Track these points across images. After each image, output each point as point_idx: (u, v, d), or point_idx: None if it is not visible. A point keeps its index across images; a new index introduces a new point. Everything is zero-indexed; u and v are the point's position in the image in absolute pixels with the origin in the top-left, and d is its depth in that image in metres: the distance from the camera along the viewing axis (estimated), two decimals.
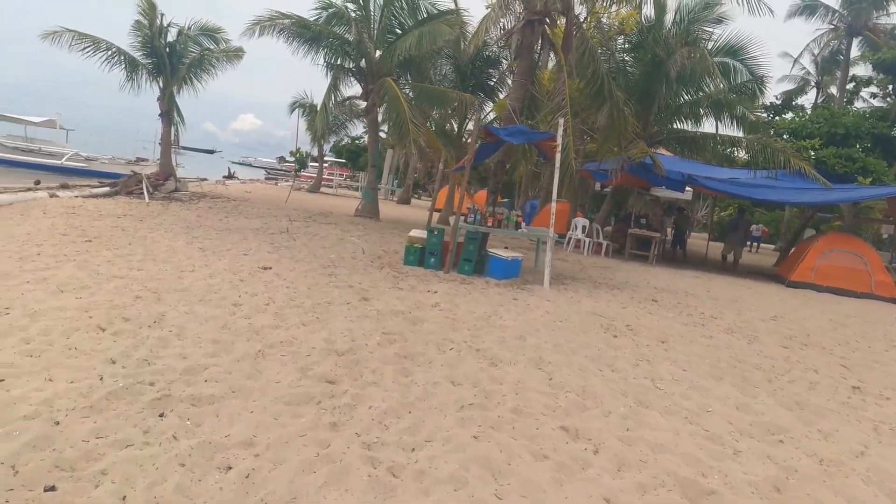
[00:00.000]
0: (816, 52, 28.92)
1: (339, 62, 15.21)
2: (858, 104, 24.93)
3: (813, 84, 31.38)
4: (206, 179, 26.54)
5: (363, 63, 15.36)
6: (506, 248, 9.39)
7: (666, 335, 5.68)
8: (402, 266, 8.02)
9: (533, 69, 9.27)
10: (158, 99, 14.97)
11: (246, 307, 4.98)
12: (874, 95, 24.69)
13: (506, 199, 26.75)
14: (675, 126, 15.05)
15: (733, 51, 13.72)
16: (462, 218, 8.18)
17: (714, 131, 15.37)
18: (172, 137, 15.32)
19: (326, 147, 37.26)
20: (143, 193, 13.40)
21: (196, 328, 4.24)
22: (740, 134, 15.31)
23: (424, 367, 3.96)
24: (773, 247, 31.73)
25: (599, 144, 10.88)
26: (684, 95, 14.05)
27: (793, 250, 20.91)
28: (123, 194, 13.62)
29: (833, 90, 30.69)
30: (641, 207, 15.20)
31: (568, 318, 5.88)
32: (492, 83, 17.98)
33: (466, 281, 7.42)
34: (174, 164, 15.86)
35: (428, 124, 15.60)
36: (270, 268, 6.87)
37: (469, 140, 7.25)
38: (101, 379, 3.17)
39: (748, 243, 27.01)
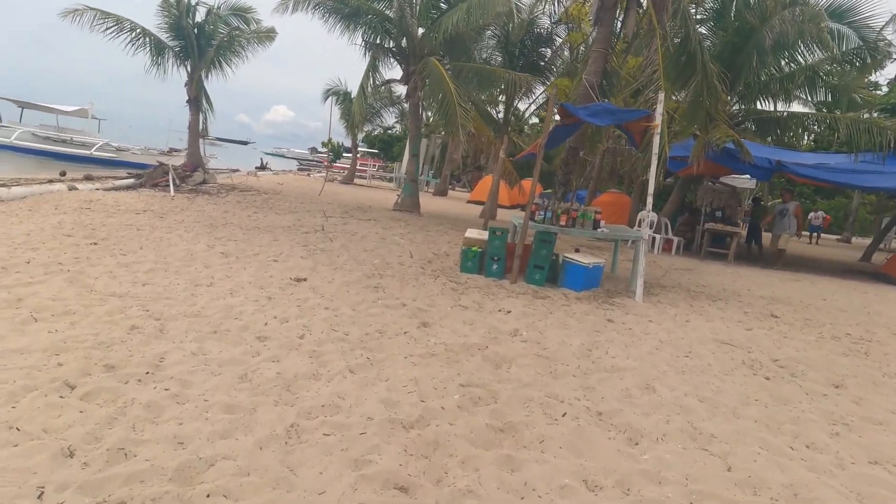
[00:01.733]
0: None
1: (378, 41, 13.90)
2: None
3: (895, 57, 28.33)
4: (238, 170, 25.80)
5: (404, 42, 14.01)
6: (577, 250, 7.95)
7: (835, 375, 4.19)
8: (458, 273, 6.70)
9: (612, 37, 7.74)
10: (186, 84, 13.99)
11: (274, 342, 3.74)
12: None
13: (548, 191, 25.13)
14: (756, 105, 13.16)
15: (838, 13, 11.67)
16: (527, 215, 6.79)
17: (800, 110, 13.45)
18: (201, 126, 14.33)
19: (359, 137, 36.22)
20: (168, 186, 12.47)
21: (204, 382, 3.02)
22: (826, 111, 13.37)
23: (536, 454, 2.63)
24: (836, 237, 28.97)
25: (683, 127, 9.27)
26: (776, 69, 12.11)
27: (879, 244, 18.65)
28: (148, 186, 12.74)
29: None
30: (714, 198, 13.47)
31: (692, 351, 4.45)
32: (543, 63, 16.35)
33: (540, 294, 6.05)
34: (203, 154, 14.90)
35: (470, 107, 14.17)
36: (305, 279, 5.65)
37: (542, 125, 5.94)
38: (39, 497, 1.95)
39: (810, 234, 24.39)
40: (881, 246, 19.91)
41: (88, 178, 12.70)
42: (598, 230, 6.90)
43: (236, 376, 3.15)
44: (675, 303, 6.39)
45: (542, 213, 6.88)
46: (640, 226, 12.66)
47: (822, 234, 25.56)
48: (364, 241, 8.56)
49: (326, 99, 25.33)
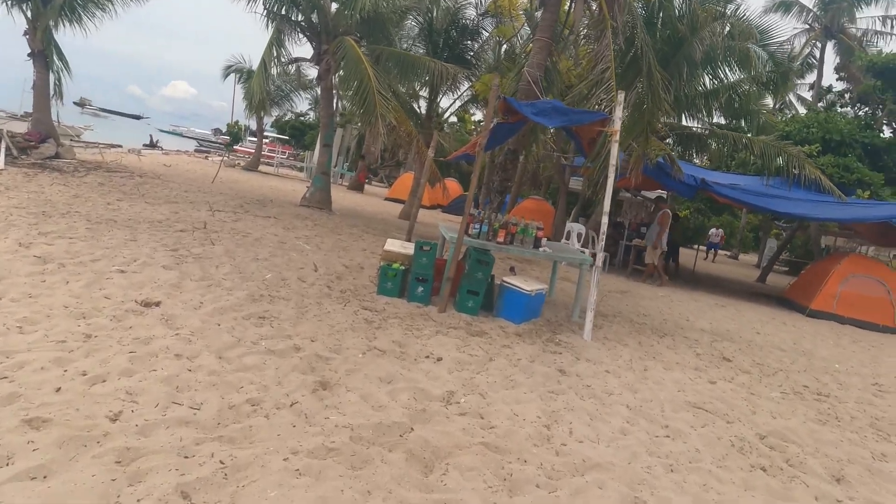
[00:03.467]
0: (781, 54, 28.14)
1: (284, 12, 12.07)
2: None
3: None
4: (118, 147, 22.34)
5: (315, 17, 12.32)
6: (512, 269, 6.94)
7: (829, 459, 3.42)
8: (375, 297, 5.38)
9: (556, 26, 6.80)
10: (26, 34, 11.15)
11: (53, 431, 2.23)
12: (833, 104, 24.01)
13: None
14: (681, 120, 13.01)
15: (750, 34, 11.70)
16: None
17: (720, 129, 13.51)
18: (53, 87, 11.60)
19: (268, 121, 33.37)
20: None
21: None
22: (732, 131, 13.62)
23: None
24: (726, 253, 31.01)
25: (622, 137, 8.59)
26: (702, 84, 11.93)
27: (777, 265, 19.80)
28: None
29: (791, 97, 30.08)
30: (638, 212, 13.26)
31: (670, 426, 3.48)
32: (469, 56, 15.33)
33: (474, 327, 4.90)
34: (56, 122, 12.15)
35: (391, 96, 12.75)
36: (158, 303, 4.05)
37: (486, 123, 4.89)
38: None
39: (707, 250, 25.64)
40: (763, 265, 21.42)
41: None
42: (541, 249, 5.90)
43: None
44: (624, 340, 5.53)
45: (476, 226, 5.74)
46: (567, 238, 12.07)
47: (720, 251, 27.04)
48: (257, 245, 6.95)
49: (227, 76, 22.66)
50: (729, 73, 11.71)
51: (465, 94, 16.69)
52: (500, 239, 5.71)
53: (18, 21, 11.07)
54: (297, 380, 3.17)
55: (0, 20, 10.88)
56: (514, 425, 3.07)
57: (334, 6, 12.26)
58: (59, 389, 2.60)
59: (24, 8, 11.06)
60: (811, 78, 25.23)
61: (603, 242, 5.40)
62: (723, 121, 14.37)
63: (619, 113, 5.20)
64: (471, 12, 15.16)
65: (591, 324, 5.23)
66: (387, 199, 21.85)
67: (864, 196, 12.92)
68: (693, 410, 3.79)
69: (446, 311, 5.18)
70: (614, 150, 5.15)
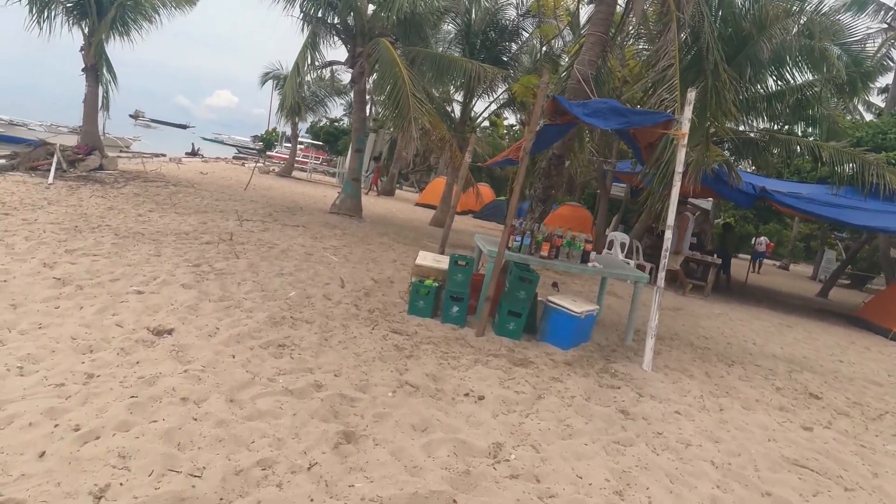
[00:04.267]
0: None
1: (320, 15, 11.82)
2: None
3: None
4: (162, 156, 22.76)
5: (351, 19, 12.03)
6: (555, 285, 6.35)
7: None
8: (405, 316, 4.91)
9: (612, 19, 6.20)
10: (82, 49, 11.44)
11: None
12: None
13: (501, 198, 23.54)
14: (740, 125, 12.05)
15: (831, 31, 10.71)
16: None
17: (780, 134, 12.46)
18: (101, 100, 11.75)
19: (303, 127, 33.59)
20: (49, 170, 9.94)
21: None
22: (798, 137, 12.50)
23: None
24: (775, 263, 29.07)
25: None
26: (763, 86, 10.94)
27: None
28: (23, 170, 10.16)
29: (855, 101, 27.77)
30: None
31: (773, 493, 2.86)
32: (507, 58, 14.78)
33: (517, 354, 4.36)
34: (102, 133, 12.32)
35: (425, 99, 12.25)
36: (171, 331, 3.68)
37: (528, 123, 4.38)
38: None
39: (752, 261, 23.86)
40: (820, 277, 19.86)
41: None
42: (590, 265, 5.30)
43: None
44: (688, 369, 4.88)
45: (517, 238, 5.20)
46: (609, 248, 11.34)
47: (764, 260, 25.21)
48: (283, 257, 6.59)
49: (265, 83, 22.81)
50: (798, 75, 10.72)
51: (500, 96, 16.13)
52: (544, 252, 5.14)
53: (76, 36, 11.47)
54: (317, 430, 2.70)
55: (51, 38, 11.22)
56: (579, 492, 2.52)
57: (371, 8, 11.97)
58: (42, 455, 2.20)
59: (83, 25, 11.35)
60: (883, 81, 23.11)
61: (666, 260, 4.72)
62: (775, 126, 13.35)
63: (688, 114, 4.58)
64: (511, 13, 14.67)
65: (652, 352, 4.60)
66: (418, 204, 21.48)
67: None
68: (795, 470, 3.14)
69: (484, 334, 4.65)
70: (681, 155, 4.52)
